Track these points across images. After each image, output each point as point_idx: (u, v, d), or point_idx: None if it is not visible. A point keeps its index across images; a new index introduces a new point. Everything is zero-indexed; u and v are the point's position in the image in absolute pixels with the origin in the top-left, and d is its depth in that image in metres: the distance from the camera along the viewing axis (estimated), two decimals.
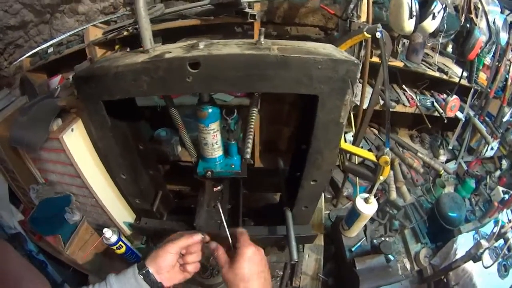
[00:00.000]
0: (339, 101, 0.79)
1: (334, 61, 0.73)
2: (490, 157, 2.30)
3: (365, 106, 1.44)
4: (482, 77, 2.04)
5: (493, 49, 1.91)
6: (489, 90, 1.97)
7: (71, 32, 1.67)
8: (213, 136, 0.94)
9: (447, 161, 2.24)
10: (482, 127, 2.05)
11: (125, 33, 1.40)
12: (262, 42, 0.78)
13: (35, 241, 1.56)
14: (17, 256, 0.55)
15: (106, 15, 1.87)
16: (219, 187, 0.96)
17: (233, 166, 1.02)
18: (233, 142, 1.00)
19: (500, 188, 2.01)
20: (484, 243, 1.30)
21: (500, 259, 1.44)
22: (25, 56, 1.77)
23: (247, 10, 1.30)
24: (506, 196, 1.82)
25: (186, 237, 0.88)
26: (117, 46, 1.52)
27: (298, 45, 0.83)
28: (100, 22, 1.63)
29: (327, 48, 0.82)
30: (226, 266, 0.81)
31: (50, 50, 1.73)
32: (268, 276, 0.83)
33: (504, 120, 2.15)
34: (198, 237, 0.89)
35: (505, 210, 1.71)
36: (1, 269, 0.51)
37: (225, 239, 0.86)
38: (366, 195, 1.26)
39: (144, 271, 0.82)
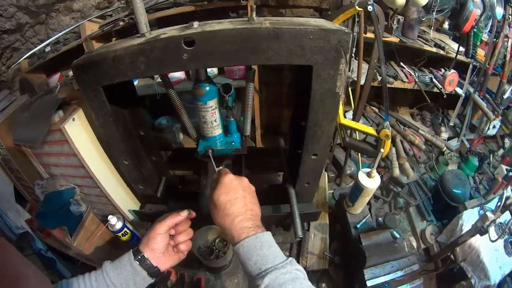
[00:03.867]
0: (333, 70, 0.80)
1: (325, 31, 0.74)
2: (492, 135, 2.28)
3: (362, 82, 1.44)
4: (480, 53, 2.03)
5: (490, 24, 1.91)
6: (487, 66, 1.96)
7: (68, 29, 1.68)
8: (211, 114, 0.95)
9: (449, 138, 2.24)
10: (482, 103, 2.04)
11: (121, 23, 1.41)
12: (254, 18, 0.79)
13: (43, 238, 1.59)
14: (15, 253, 0.54)
15: (101, 9, 1.89)
16: (220, 167, 0.97)
17: (233, 143, 1.03)
18: (232, 119, 1.01)
19: (504, 167, 2.00)
20: (490, 215, 1.29)
21: (506, 236, 1.44)
22: (23, 58, 1.78)
23: None
24: (511, 173, 1.80)
25: (173, 216, 0.90)
26: (113, 39, 1.53)
27: (290, 20, 0.85)
28: (96, 17, 1.64)
29: (318, 21, 0.83)
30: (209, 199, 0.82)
31: (48, 49, 1.75)
32: (251, 201, 0.82)
33: (505, 97, 2.14)
34: (184, 213, 0.91)
35: (509, 186, 1.70)
36: (0, 266, 0.51)
37: None
38: (368, 169, 1.26)
39: (139, 256, 0.83)
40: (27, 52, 1.78)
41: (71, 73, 1.60)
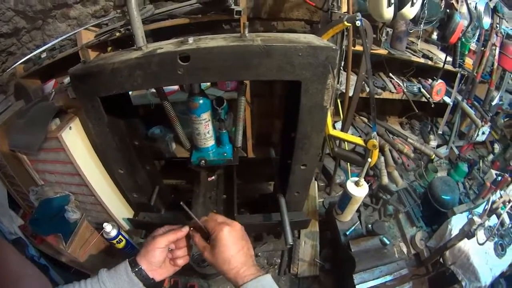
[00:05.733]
0: (321, 85, 0.83)
1: (313, 48, 0.78)
2: (482, 141, 2.33)
3: (351, 93, 1.48)
4: (469, 62, 2.08)
5: (477, 33, 1.96)
6: (475, 74, 2.00)
7: (64, 37, 1.70)
8: (205, 126, 0.98)
9: (438, 146, 2.28)
10: (470, 110, 2.09)
11: (117, 34, 1.44)
12: (247, 35, 0.83)
13: (36, 245, 1.58)
14: (15, 254, 0.56)
15: (97, 18, 1.89)
16: (213, 177, 1.00)
17: (225, 154, 1.06)
18: (224, 131, 1.04)
19: (493, 171, 2.04)
20: (477, 219, 1.33)
21: (496, 238, 1.48)
22: (18, 63, 1.79)
23: (233, 7, 1.35)
24: (499, 178, 1.84)
25: (174, 232, 0.90)
26: (109, 48, 1.55)
27: (281, 36, 0.88)
28: (92, 26, 1.66)
29: (308, 38, 0.86)
30: (207, 251, 0.82)
31: (44, 55, 1.76)
32: (248, 247, 0.84)
33: (493, 103, 2.19)
34: (186, 229, 0.91)
35: (498, 191, 1.74)
36: (0, 267, 0.52)
37: (201, 228, 0.88)
38: (356, 178, 1.29)
39: (137, 269, 0.84)
40: (23, 57, 1.79)
41: (66, 80, 1.62)
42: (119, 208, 1.47)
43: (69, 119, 1.26)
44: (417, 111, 1.99)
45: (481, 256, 1.43)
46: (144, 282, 0.85)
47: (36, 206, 1.42)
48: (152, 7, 1.46)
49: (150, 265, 0.86)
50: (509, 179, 1.71)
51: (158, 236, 0.88)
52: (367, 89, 1.71)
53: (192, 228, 0.89)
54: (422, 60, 1.92)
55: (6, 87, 1.96)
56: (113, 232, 1.29)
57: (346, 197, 1.32)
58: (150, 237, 0.91)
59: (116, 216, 1.44)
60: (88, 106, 0.91)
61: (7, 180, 1.52)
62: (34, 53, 1.75)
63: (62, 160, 1.29)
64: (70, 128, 1.24)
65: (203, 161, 1.02)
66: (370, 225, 1.42)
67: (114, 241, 1.32)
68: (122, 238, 1.34)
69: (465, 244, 1.42)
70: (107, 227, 1.28)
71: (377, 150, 1.15)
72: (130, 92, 1.63)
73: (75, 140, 1.25)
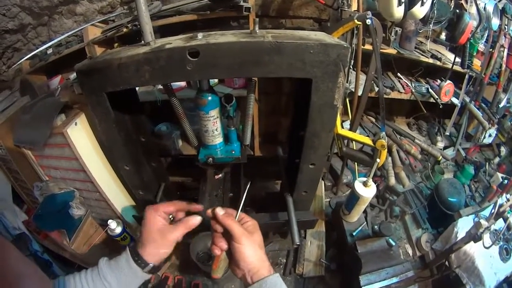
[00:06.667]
0: (332, 83, 0.82)
1: (325, 45, 0.76)
2: (488, 144, 2.31)
3: (360, 93, 1.46)
4: (477, 63, 2.07)
5: (486, 35, 1.94)
6: (483, 76, 1.99)
7: (71, 32, 1.70)
8: (213, 123, 0.97)
9: (445, 148, 2.26)
10: (478, 112, 2.07)
11: (125, 30, 1.43)
12: (257, 31, 0.81)
13: (40, 240, 1.59)
14: (16, 252, 0.55)
15: (104, 14, 1.90)
16: (220, 175, 0.99)
17: (233, 152, 1.05)
18: (233, 128, 1.03)
19: (500, 175, 2.03)
20: (484, 222, 1.31)
21: (501, 242, 1.47)
22: (25, 59, 1.80)
23: (241, 3, 1.34)
24: (506, 181, 1.83)
25: (184, 224, 0.84)
26: (116, 44, 1.55)
27: (291, 33, 0.86)
28: (99, 22, 1.66)
29: (318, 35, 0.85)
30: (245, 236, 0.78)
31: (50, 51, 1.76)
32: None
33: (501, 106, 2.18)
34: (197, 221, 0.86)
35: (504, 194, 1.72)
36: (0, 266, 0.51)
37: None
38: (364, 178, 1.28)
39: (139, 261, 0.80)
40: (29, 53, 1.79)
41: (72, 76, 1.62)
42: (124, 204, 1.46)
43: (75, 115, 1.26)
44: (425, 111, 1.97)
45: (486, 260, 1.42)
46: (147, 270, 0.80)
47: (40, 201, 1.42)
48: (159, 3, 1.46)
49: (151, 256, 0.81)
50: None
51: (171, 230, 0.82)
52: (376, 89, 1.71)
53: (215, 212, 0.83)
54: (430, 61, 1.90)
55: (12, 83, 1.96)
56: (118, 229, 1.29)
57: (354, 197, 1.31)
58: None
59: (121, 213, 1.44)
60: (94, 102, 0.90)
61: (12, 176, 1.52)
62: (40, 49, 1.75)
63: (67, 156, 1.28)
64: (76, 124, 1.23)
65: (210, 158, 1.01)
66: (376, 226, 1.41)
67: (119, 238, 1.32)
68: (127, 235, 1.34)
69: (471, 248, 1.41)
70: (112, 224, 1.27)
71: (386, 150, 1.14)
72: (137, 88, 1.63)
73: (80, 136, 1.25)
